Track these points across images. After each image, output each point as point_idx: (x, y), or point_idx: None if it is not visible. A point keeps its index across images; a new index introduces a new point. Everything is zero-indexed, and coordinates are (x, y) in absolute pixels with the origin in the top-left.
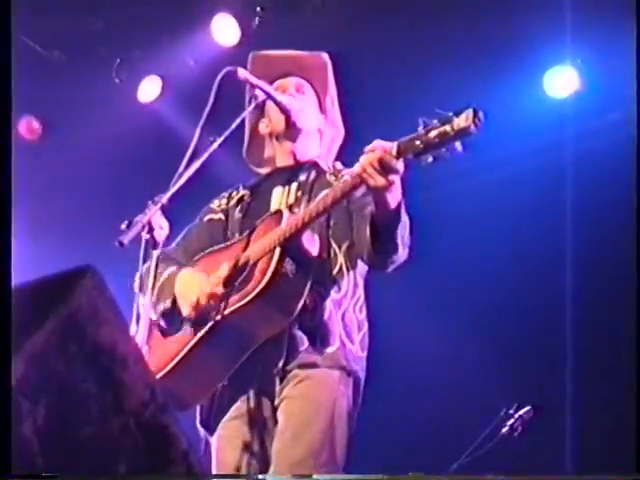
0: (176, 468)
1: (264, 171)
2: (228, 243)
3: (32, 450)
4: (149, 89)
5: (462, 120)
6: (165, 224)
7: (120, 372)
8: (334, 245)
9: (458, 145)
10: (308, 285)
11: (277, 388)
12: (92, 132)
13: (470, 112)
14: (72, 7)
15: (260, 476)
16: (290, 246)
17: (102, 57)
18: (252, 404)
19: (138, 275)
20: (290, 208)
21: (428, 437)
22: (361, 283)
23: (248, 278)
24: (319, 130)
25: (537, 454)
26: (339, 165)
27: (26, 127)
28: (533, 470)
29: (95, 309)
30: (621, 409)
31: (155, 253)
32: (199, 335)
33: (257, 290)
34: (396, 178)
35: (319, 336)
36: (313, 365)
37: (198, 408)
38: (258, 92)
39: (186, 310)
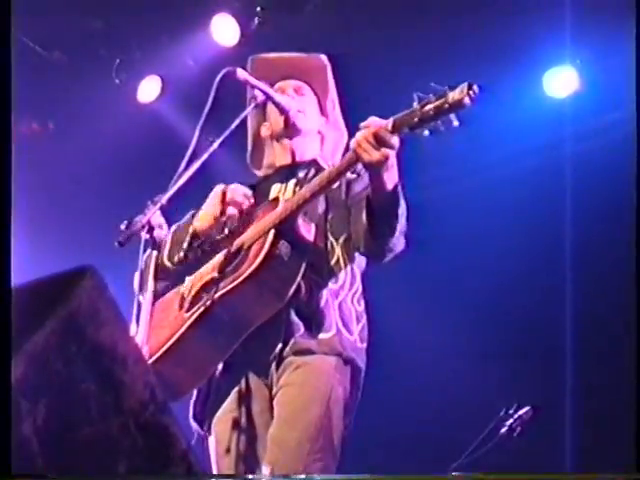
0: (176, 468)
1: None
2: (226, 232)
3: (32, 450)
4: (149, 89)
5: (457, 93)
6: (164, 224)
7: (120, 372)
8: (331, 238)
9: (454, 118)
10: (302, 269)
11: (274, 376)
12: (92, 132)
13: (465, 85)
14: (72, 7)
15: (260, 476)
16: (285, 229)
17: (102, 57)
18: (247, 393)
19: (137, 274)
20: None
21: (428, 437)
22: (359, 276)
23: (242, 261)
24: (319, 132)
25: (536, 454)
26: None
27: (26, 127)
28: (533, 470)
29: (95, 309)
30: (621, 409)
31: (154, 253)
32: (192, 319)
33: (249, 270)
34: (392, 154)
35: (315, 322)
36: (309, 351)
37: (192, 403)
38: (257, 93)
39: (209, 221)
